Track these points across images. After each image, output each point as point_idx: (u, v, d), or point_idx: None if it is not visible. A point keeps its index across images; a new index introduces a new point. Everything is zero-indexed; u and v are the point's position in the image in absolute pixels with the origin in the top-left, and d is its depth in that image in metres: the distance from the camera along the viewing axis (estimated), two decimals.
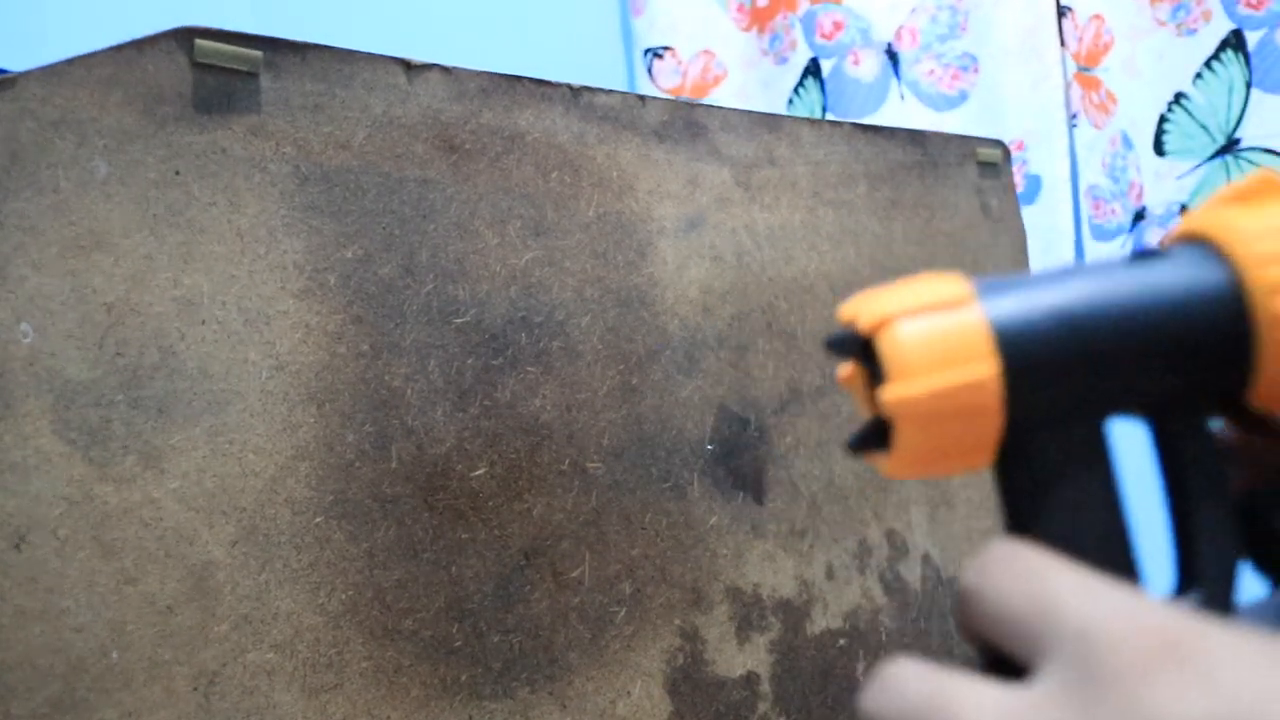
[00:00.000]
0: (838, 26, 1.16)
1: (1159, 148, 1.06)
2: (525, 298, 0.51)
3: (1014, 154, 1.07)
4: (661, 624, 0.53)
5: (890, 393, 0.21)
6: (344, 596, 0.44)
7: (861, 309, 0.22)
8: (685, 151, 0.58)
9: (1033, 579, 0.20)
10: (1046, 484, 0.22)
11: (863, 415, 0.24)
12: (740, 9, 1.20)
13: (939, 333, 0.21)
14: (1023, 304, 0.22)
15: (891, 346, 0.21)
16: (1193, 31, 1.03)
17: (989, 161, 0.73)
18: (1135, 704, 0.17)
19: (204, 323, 0.42)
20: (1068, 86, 1.08)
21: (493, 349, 0.49)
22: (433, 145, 0.49)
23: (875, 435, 0.22)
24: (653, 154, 0.57)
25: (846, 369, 0.24)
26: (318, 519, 0.43)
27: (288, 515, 0.43)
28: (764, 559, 0.57)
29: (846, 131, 0.66)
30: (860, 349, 0.22)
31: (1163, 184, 1.06)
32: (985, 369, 0.21)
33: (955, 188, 0.71)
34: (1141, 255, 0.23)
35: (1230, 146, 1.03)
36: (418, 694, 0.45)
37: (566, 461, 0.51)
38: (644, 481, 0.53)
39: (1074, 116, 1.08)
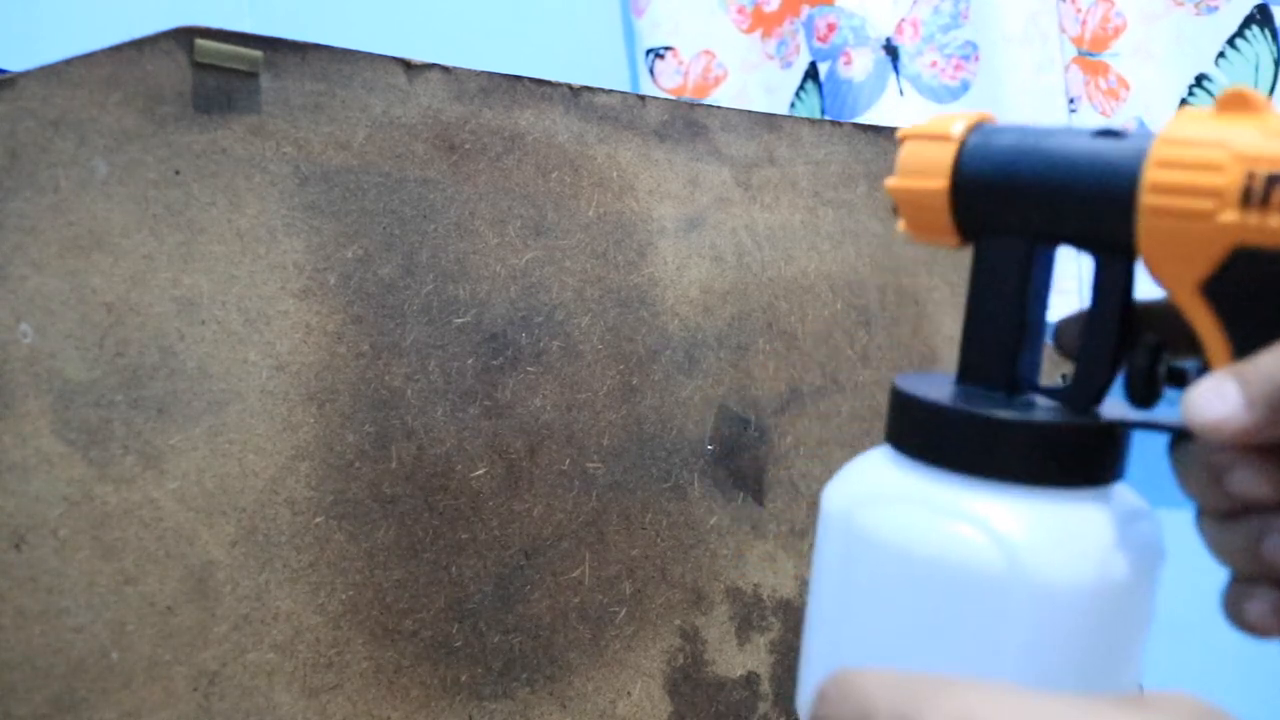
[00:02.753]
0: (831, 28, 1.16)
1: None
2: (525, 298, 0.51)
3: None
4: (662, 624, 0.53)
5: (889, 181, 0.32)
6: (344, 597, 0.44)
7: (907, 129, 0.33)
8: (685, 151, 0.58)
9: (852, 703, 0.24)
10: (982, 276, 0.31)
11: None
12: (741, 11, 1.20)
13: (923, 153, 0.31)
14: (988, 147, 0.30)
15: (899, 155, 0.32)
16: (1213, 9, 0.99)
17: None
18: None
19: (204, 323, 0.42)
20: (1065, 71, 1.06)
21: (493, 349, 0.49)
22: (433, 145, 0.49)
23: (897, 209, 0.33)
24: (653, 154, 0.57)
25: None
26: (318, 519, 0.43)
27: (288, 515, 0.43)
28: (764, 559, 0.57)
29: (847, 131, 0.66)
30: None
31: None
32: (937, 183, 0.31)
33: None
34: (1103, 132, 0.29)
35: None
36: (418, 694, 0.45)
37: (567, 461, 0.51)
38: (644, 481, 0.53)
39: (1072, 101, 1.07)
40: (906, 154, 0.31)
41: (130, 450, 0.40)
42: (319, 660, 0.43)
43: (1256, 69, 0.97)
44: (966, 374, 0.31)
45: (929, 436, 0.29)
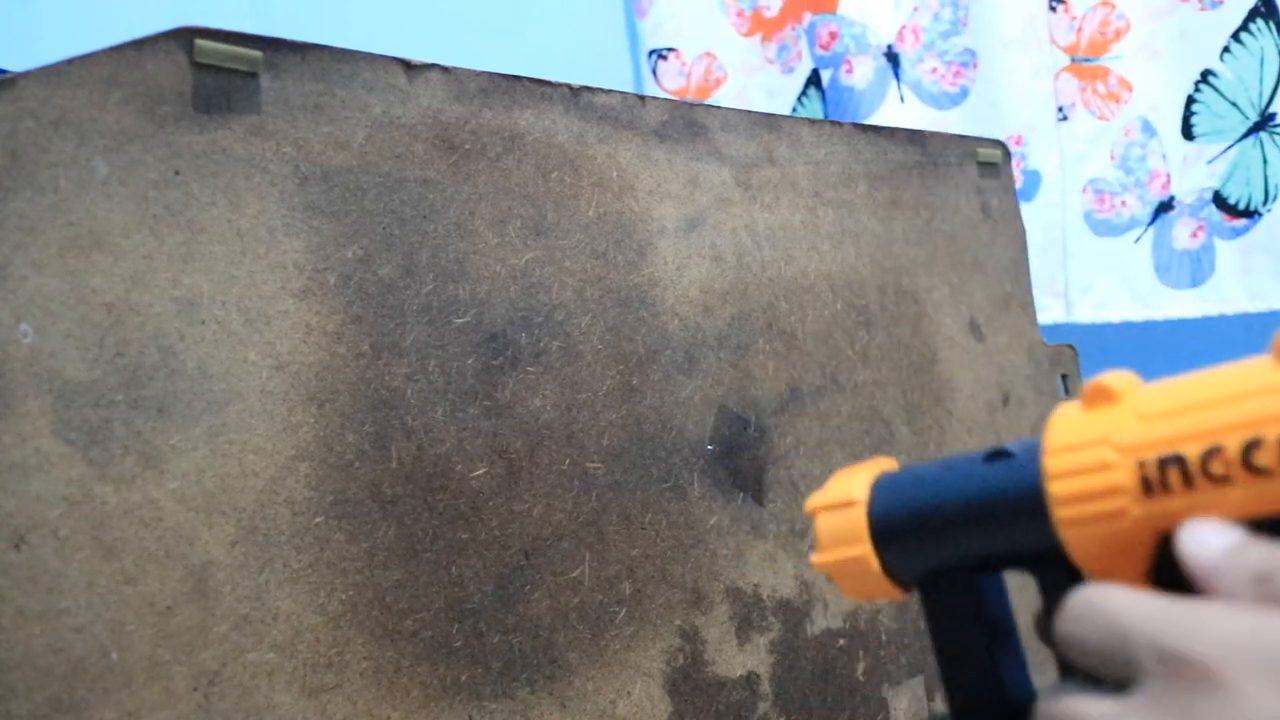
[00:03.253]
0: (833, 36, 1.16)
1: (1187, 131, 1.02)
2: (525, 298, 0.51)
3: (1013, 149, 1.06)
4: (662, 624, 0.53)
5: (815, 559, 0.33)
6: (344, 597, 0.44)
7: (812, 500, 0.34)
8: (685, 151, 0.58)
9: (1102, 619, 0.25)
10: (933, 619, 0.32)
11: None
12: (740, 14, 1.20)
13: (836, 524, 0.33)
14: (890, 504, 0.32)
15: (815, 530, 0.33)
16: (1218, 4, 0.99)
17: (989, 161, 0.73)
18: (1228, 705, 0.22)
19: (204, 323, 0.42)
20: (1054, 79, 1.06)
21: (493, 349, 0.49)
22: (433, 145, 0.49)
23: None
24: (653, 154, 0.57)
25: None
26: (318, 519, 0.43)
27: (288, 515, 0.43)
28: (764, 559, 0.57)
29: (846, 131, 0.66)
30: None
31: (1192, 170, 1.02)
32: (859, 549, 0.32)
33: (955, 188, 0.71)
34: (993, 455, 0.30)
35: (1265, 123, 0.98)
36: (418, 694, 0.45)
37: (566, 461, 0.51)
38: (644, 481, 0.53)
39: (1061, 109, 1.06)
40: (822, 528, 0.33)
41: (130, 450, 0.40)
42: (319, 660, 0.43)
43: (1261, 62, 0.97)
44: (964, 715, 0.32)
45: None
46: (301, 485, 0.43)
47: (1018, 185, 1.07)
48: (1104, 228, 1.08)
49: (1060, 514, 0.28)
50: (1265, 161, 0.98)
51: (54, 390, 0.39)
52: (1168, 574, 0.26)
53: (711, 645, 0.54)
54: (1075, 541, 0.28)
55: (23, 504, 0.38)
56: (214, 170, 0.43)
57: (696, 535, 0.55)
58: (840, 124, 0.66)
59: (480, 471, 0.48)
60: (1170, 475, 0.26)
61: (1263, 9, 0.96)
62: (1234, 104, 0.99)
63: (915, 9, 1.14)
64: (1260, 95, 0.98)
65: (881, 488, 0.32)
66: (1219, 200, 1.01)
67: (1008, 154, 0.74)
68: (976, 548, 0.30)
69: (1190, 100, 1.01)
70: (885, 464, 0.34)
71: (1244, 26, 0.97)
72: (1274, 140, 0.98)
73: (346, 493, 0.44)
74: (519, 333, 0.50)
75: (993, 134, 1.05)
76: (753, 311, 0.59)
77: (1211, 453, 0.25)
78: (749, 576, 0.56)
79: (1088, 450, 0.27)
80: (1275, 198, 0.98)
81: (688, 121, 0.58)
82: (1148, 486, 0.26)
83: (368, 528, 0.45)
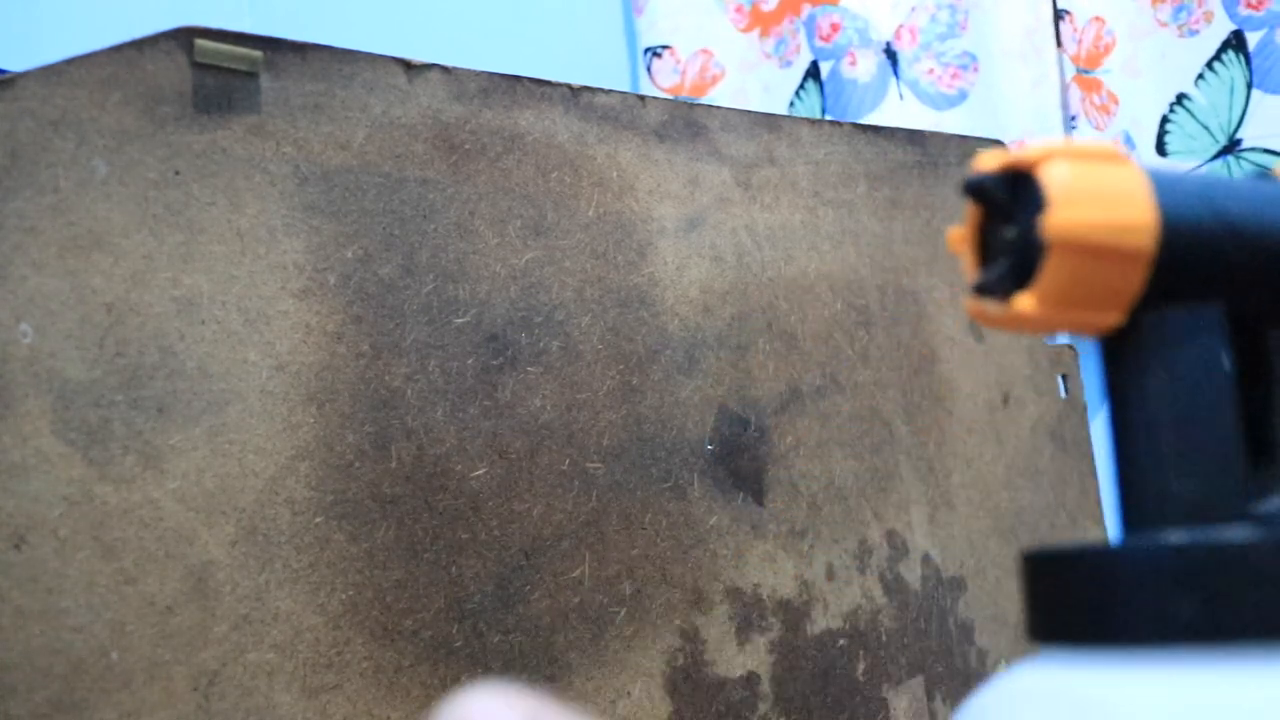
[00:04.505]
0: (835, 28, 1.16)
1: (1161, 148, 1.07)
2: (525, 298, 0.51)
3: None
4: (661, 624, 0.53)
5: (1055, 216, 0.20)
6: (344, 597, 0.44)
7: (1015, 152, 0.22)
8: (685, 151, 0.58)
9: None
10: (1162, 362, 0.22)
11: (970, 278, 0.23)
12: (739, 9, 1.20)
13: (1103, 176, 0.21)
14: (1176, 179, 0.22)
15: (1059, 176, 0.21)
16: (1194, 32, 1.04)
17: None
18: None
19: (204, 323, 0.42)
20: (1065, 89, 1.08)
21: (493, 349, 0.49)
22: (433, 145, 0.49)
23: (1014, 274, 0.22)
24: (653, 154, 0.57)
25: (961, 230, 0.24)
26: (318, 519, 0.43)
27: (288, 515, 0.43)
28: (764, 559, 0.57)
29: (846, 131, 0.66)
30: (1004, 191, 0.22)
31: None
32: (1144, 215, 0.21)
33: (956, 188, 0.71)
34: (1262, 176, 0.23)
35: (1232, 147, 1.03)
36: (418, 694, 0.45)
37: (566, 461, 0.51)
38: (644, 481, 0.53)
39: (1073, 119, 1.08)
40: (1073, 176, 0.21)
41: (130, 450, 0.40)
42: (319, 660, 0.43)
43: (1231, 91, 1.02)
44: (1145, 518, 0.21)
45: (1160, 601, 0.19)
46: (301, 485, 0.43)
47: None
48: None
49: None
50: None
51: (54, 390, 0.39)
52: None
53: (711, 645, 0.54)
54: None
55: (22, 504, 0.38)
56: (214, 170, 0.43)
57: (696, 535, 0.55)
58: (840, 124, 0.66)
59: (480, 471, 0.48)
60: None
61: (1234, 41, 1.01)
62: (1205, 127, 1.04)
63: (912, 9, 1.14)
64: (1229, 121, 1.03)
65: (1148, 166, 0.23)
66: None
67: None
68: (1263, 272, 0.22)
69: (1165, 120, 1.05)
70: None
71: (1217, 56, 1.02)
72: (1239, 164, 1.03)
73: (346, 493, 0.44)
74: (519, 333, 0.50)
75: (993, 138, 1.05)
76: (753, 311, 0.59)
77: None
78: (749, 576, 0.57)
79: None
80: None
81: (688, 121, 0.58)
82: None
83: (368, 528, 0.45)
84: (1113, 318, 0.22)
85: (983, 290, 0.22)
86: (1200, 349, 0.21)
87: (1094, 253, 0.20)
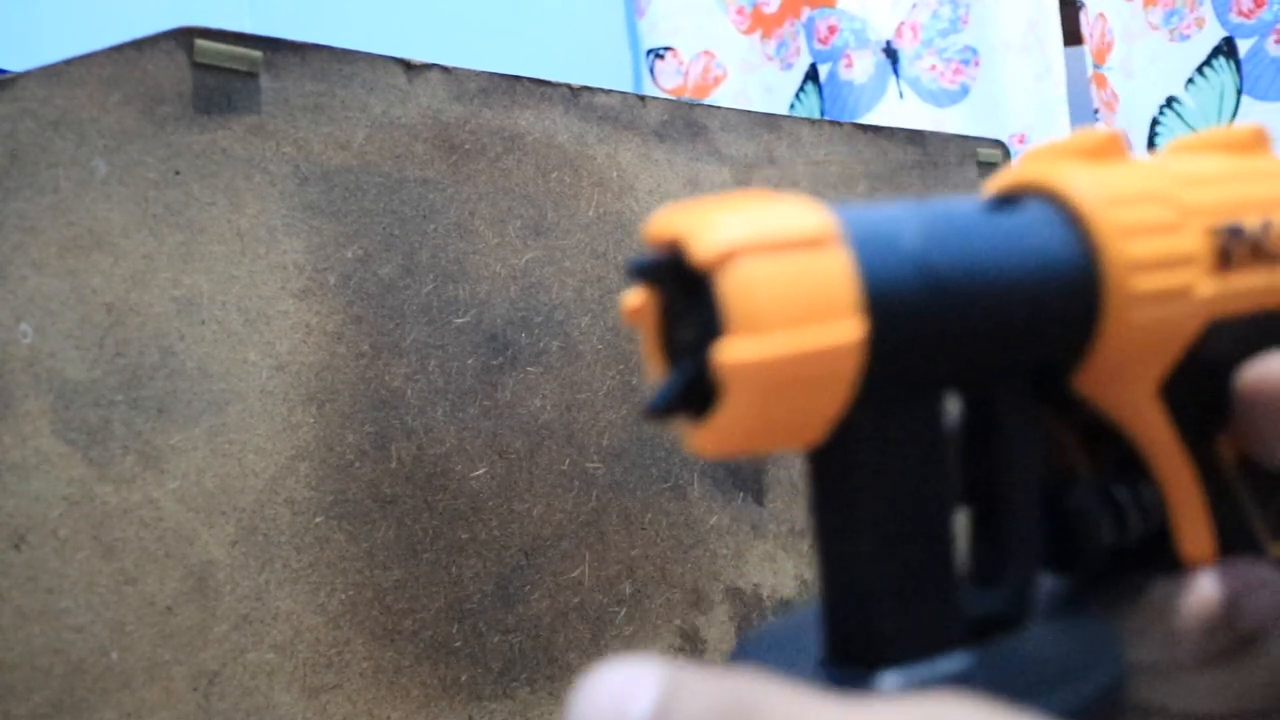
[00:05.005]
0: (832, 30, 1.17)
1: (1151, 149, 1.07)
2: (525, 298, 0.51)
3: (1014, 148, 1.08)
4: (661, 624, 0.53)
5: (733, 352, 0.16)
6: (344, 597, 0.44)
7: (694, 230, 0.17)
8: (685, 151, 0.58)
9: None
10: (870, 471, 0.18)
11: (651, 366, 0.19)
12: (740, 12, 1.20)
13: (798, 278, 0.17)
14: (888, 250, 0.18)
15: (739, 289, 0.16)
16: (1185, 37, 1.04)
17: (989, 162, 0.73)
18: None
19: (204, 323, 0.42)
20: (1088, 83, 1.09)
21: (493, 349, 0.49)
22: (433, 145, 0.49)
23: (690, 397, 0.17)
24: (653, 154, 0.57)
25: (639, 299, 0.19)
26: (317, 519, 0.43)
27: (287, 515, 0.43)
28: (764, 559, 0.57)
29: (846, 132, 0.66)
30: (677, 279, 0.17)
31: None
32: (850, 331, 0.17)
33: (955, 188, 0.71)
34: (1000, 203, 0.20)
35: None
36: (418, 694, 0.45)
37: (566, 461, 0.51)
38: (644, 481, 0.53)
39: (1096, 112, 1.09)
40: (757, 289, 0.16)
41: (130, 450, 0.40)
42: (319, 660, 0.43)
43: (1221, 96, 1.02)
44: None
45: None
46: (301, 485, 0.43)
47: None
48: None
49: (1132, 285, 0.19)
50: None
51: (54, 390, 0.39)
52: (1180, 383, 0.21)
53: (711, 645, 0.54)
54: (1124, 329, 0.20)
55: (23, 504, 0.38)
56: (214, 170, 0.43)
57: (696, 535, 0.55)
58: (840, 124, 0.66)
59: (480, 471, 0.48)
60: (1238, 247, 0.21)
61: (1224, 48, 1.02)
62: (1194, 130, 1.06)
63: (914, 6, 1.14)
64: (1219, 125, 1.04)
65: (853, 224, 0.18)
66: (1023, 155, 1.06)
67: (1007, 154, 0.74)
68: (989, 340, 0.19)
69: (1155, 121, 1.06)
70: (813, 202, 0.18)
71: (1207, 61, 1.03)
72: None
73: (346, 493, 0.44)
74: (519, 333, 0.50)
75: (993, 133, 1.05)
76: None
77: (1267, 225, 0.21)
78: (749, 576, 0.56)
79: (1151, 204, 0.20)
80: None
81: (688, 122, 0.58)
82: (1222, 259, 0.20)
83: (368, 528, 0.45)
84: (811, 437, 0.18)
85: (653, 411, 0.17)
86: (912, 458, 0.19)
87: (784, 386, 0.17)
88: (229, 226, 0.43)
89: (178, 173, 0.42)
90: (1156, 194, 0.20)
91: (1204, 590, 0.21)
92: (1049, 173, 0.21)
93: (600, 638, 0.51)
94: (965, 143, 0.73)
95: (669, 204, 0.57)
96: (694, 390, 0.17)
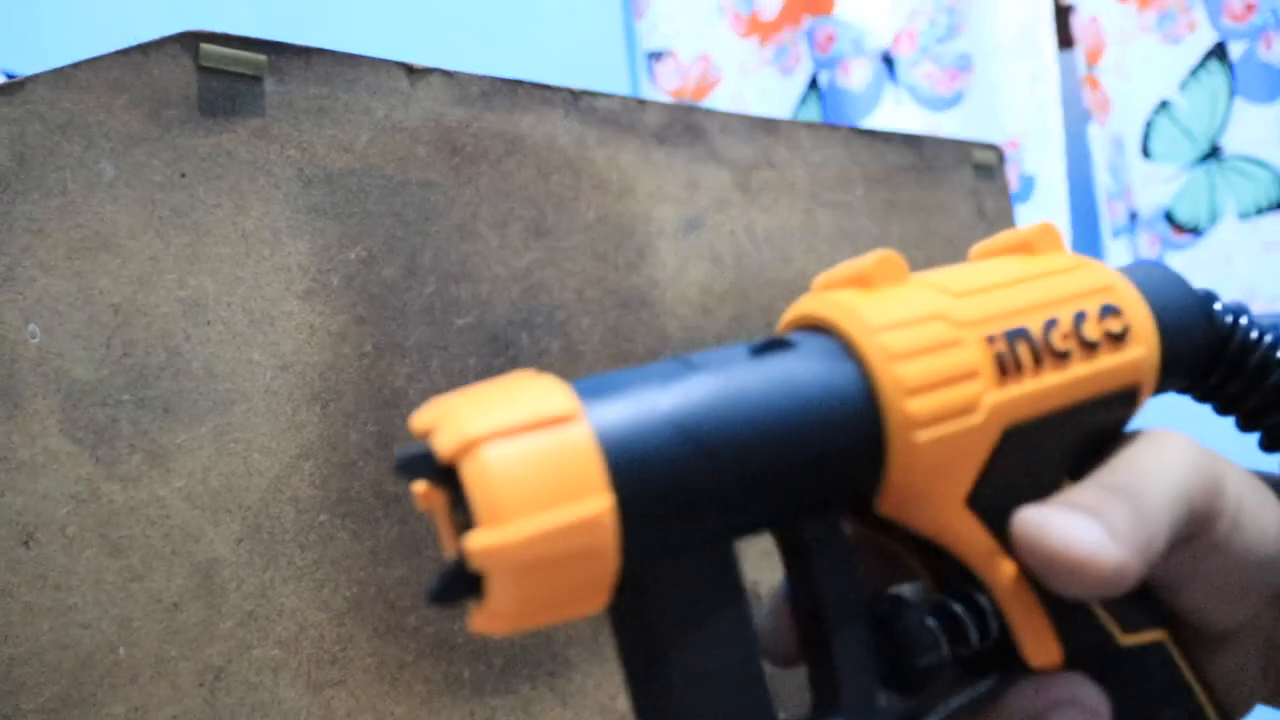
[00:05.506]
0: (830, 39, 1.17)
1: (1146, 151, 1.08)
2: (526, 299, 0.51)
3: (1008, 153, 1.08)
4: None
5: (478, 541, 0.17)
6: (348, 593, 0.44)
7: (440, 422, 0.18)
8: (685, 154, 0.59)
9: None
10: (671, 625, 0.18)
11: (447, 550, 0.19)
12: (737, 17, 1.21)
13: (539, 459, 0.17)
14: (638, 416, 0.18)
15: (478, 479, 0.17)
16: (1178, 40, 1.05)
17: (984, 165, 0.74)
18: None
19: (209, 323, 0.43)
20: (1080, 84, 1.09)
21: (494, 349, 0.50)
22: (435, 148, 0.50)
23: (463, 582, 0.18)
24: (652, 157, 0.57)
25: (421, 489, 0.20)
26: (322, 517, 0.44)
27: (292, 513, 0.43)
28: (762, 556, 0.58)
29: (843, 135, 0.66)
30: (437, 471, 0.18)
31: (1150, 187, 1.08)
32: (598, 504, 0.17)
33: (951, 191, 0.71)
34: (766, 346, 0.20)
35: (1213, 154, 1.04)
36: (421, 689, 0.45)
37: None
38: None
39: (1089, 115, 1.10)
40: (497, 476, 0.17)
41: (137, 449, 0.41)
42: (323, 656, 0.43)
43: (1214, 99, 1.03)
44: None
45: None
46: (306, 484, 0.44)
47: (1013, 189, 1.08)
48: (1113, 230, 1.10)
49: (910, 408, 0.20)
50: (1213, 188, 1.06)
51: (62, 390, 0.39)
52: (987, 489, 0.21)
53: None
54: (911, 452, 0.20)
55: (31, 502, 0.38)
56: (219, 173, 0.44)
57: None
58: (837, 128, 0.66)
59: None
60: (1021, 352, 0.21)
61: (1217, 51, 1.03)
62: (1187, 133, 1.06)
63: (911, 13, 1.15)
64: (1211, 128, 1.04)
65: (596, 395, 0.18)
66: (1169, 217, 1.07)
67: (1002, 158, 0.75)
68: (769, 487, 0.19)
69: (1149, 124, 1.07)
70: (533, 376, 0.19)
71: (1201, 64, 1.04)
72: (1223, 170, 1.04)
73: (350, 491, 0.45)
74: (520, 333, 0.51)
75: (989, 137, 1.06)
76: (751, 312, 0.60)
77: (1051, 324, 0.21)
78: (747, 573, 0.57)
79: (923, 325, 0.20)
80: (1217, 220, 1.05)
81: (687, 125, 0.59)
82: (1003, 366, 0.21)
83: (371, 525, 0.45)
84: (595, 605, 0.18)
85: (436, 598, 0.18)
86: (713, 604, 0.18)
87: (541, 565, 0.17)
88: (234, 228, 0.44)
89: (183, 175, 0.43)
90: (930, 312, 0.21)
91: (1012, 709, 0.21)
92: (823, 305, 0.21)
93: (600, 634, 0.51)
94: (961, 146, 0.73)
95: (664, 200, 0.57)
96: (467, 576, 0.17)
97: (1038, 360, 0.21)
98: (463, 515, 0.18)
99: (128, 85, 0.42)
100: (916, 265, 0.69)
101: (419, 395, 0.47)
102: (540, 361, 0.51)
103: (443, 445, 0.18)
